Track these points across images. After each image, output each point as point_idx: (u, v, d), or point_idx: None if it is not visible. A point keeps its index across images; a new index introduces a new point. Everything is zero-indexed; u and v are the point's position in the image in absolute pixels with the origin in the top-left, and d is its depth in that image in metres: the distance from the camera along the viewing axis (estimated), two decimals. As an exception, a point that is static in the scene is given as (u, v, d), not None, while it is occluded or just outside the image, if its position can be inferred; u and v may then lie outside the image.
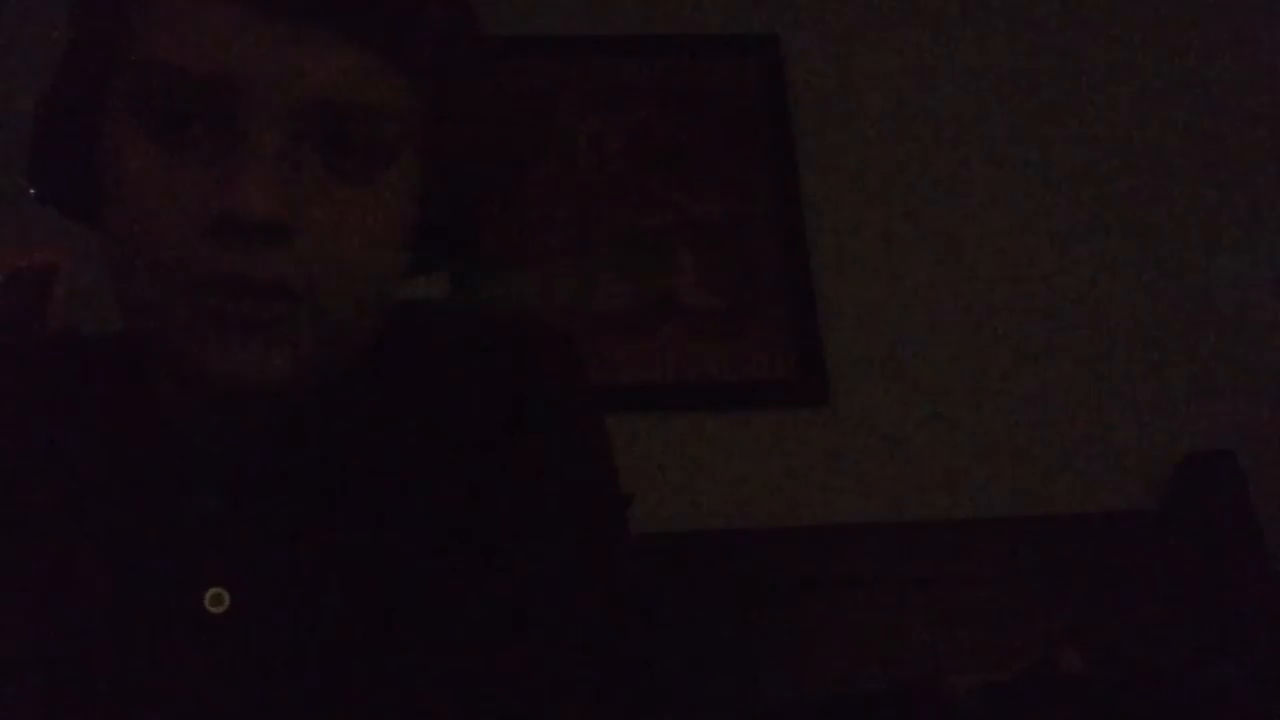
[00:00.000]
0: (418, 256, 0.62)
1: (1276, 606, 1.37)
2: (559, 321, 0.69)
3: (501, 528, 0.60)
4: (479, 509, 0.60)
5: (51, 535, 0.58)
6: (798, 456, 1.51)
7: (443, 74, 0.59)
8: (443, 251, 0.65)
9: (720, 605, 1.37)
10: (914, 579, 1.40)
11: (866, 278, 1.62)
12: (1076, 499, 1.49)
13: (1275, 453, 1.50)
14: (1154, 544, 1.43)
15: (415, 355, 0.64)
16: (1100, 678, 1.22)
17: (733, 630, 1.36)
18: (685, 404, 1.53)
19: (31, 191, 0.61)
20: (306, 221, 0.52)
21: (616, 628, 0.61)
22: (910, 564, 1.41)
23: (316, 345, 0.55)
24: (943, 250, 1.65)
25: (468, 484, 0.61)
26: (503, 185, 1.64)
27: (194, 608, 0.56)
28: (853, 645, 1.35)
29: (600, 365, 1.52)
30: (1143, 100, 1.77)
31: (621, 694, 0.59)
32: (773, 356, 1.56)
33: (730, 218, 1.65)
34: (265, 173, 0.51)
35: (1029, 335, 1.60)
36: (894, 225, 1.67)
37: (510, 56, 1.73)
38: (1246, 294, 1.64)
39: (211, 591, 0.56)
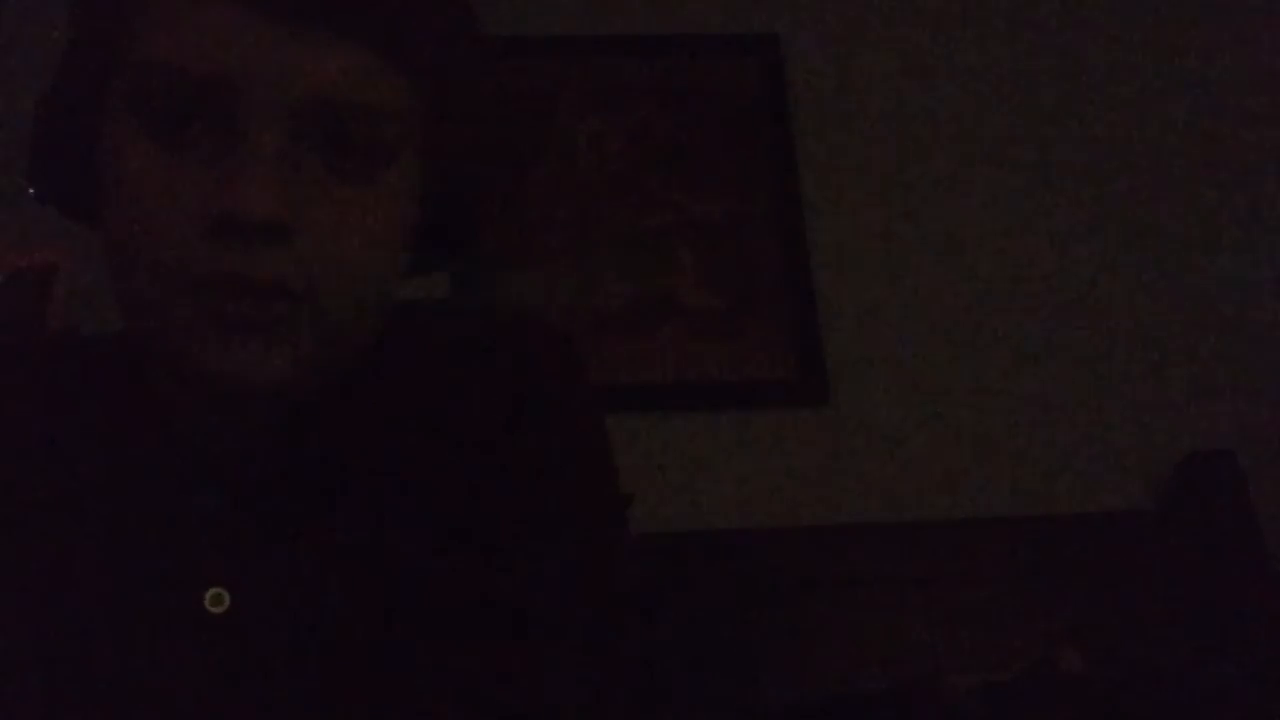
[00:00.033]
0: (418, 256, 0.62)
1: (1276, 606, 1.37)
2: (559, 321, 0.69)
3: (501, 528, 0.60)
4: (479, 509, 0.60)
5: (51, 535, 0.58)
6: (798, 456, 1.51)
7: (443, 74, 0.58)
8: (443, 251, 0.65)
9: (720, 605, 1.37)
10: (914, 579, 1.40)
11: (866, 278, 1.63)
12: (1076, 499, 1.49)
13: (1275, 453, 1.50)
14: (1154, 544, 1.43)
15: (415, 355, 0.64)
16: (1100, 678, 1.22)
17: (733, 630, 1.36)
18: (685, 404, 1.53)
19: (31, 191, 0.61)
20: (306, 221, 0.52)
21: (616, 628, 0.61)
22: (910, 564, 1.42)
23: (317, 345, 0.55)
24: (943, 250, 1.65)
25: (468, 484, 0.61)
26: (503, 185, 1.64)
27: (194, 608, 0.56)
28: (853, 645, 1.35)
29: (600, 365, 1.52)
30: (1143, 100, 1.77)
31: (621, 694, 0.59)
32: (773, 356, 1.56)
33: (730, 218, 1.65)
34: (265, 173, 0.51)
35: (1029, 335, 1.60)
36: (894, 225, 1.67)
37: (510, 56, 1.73)
38: (1246, 294, 1.64)
39: (211, 591, 0.56)
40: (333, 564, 0.58)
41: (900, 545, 1.43)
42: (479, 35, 0.62)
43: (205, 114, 0.52)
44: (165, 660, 0.55)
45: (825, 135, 1.72)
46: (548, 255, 1.62)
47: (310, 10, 0.51)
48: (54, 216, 0.63)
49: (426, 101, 0.58)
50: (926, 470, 1.50)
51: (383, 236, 0.57)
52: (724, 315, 1.58)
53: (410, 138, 0.57)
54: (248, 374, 0.53)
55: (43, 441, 0.61)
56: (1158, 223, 1.69)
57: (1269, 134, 1.75)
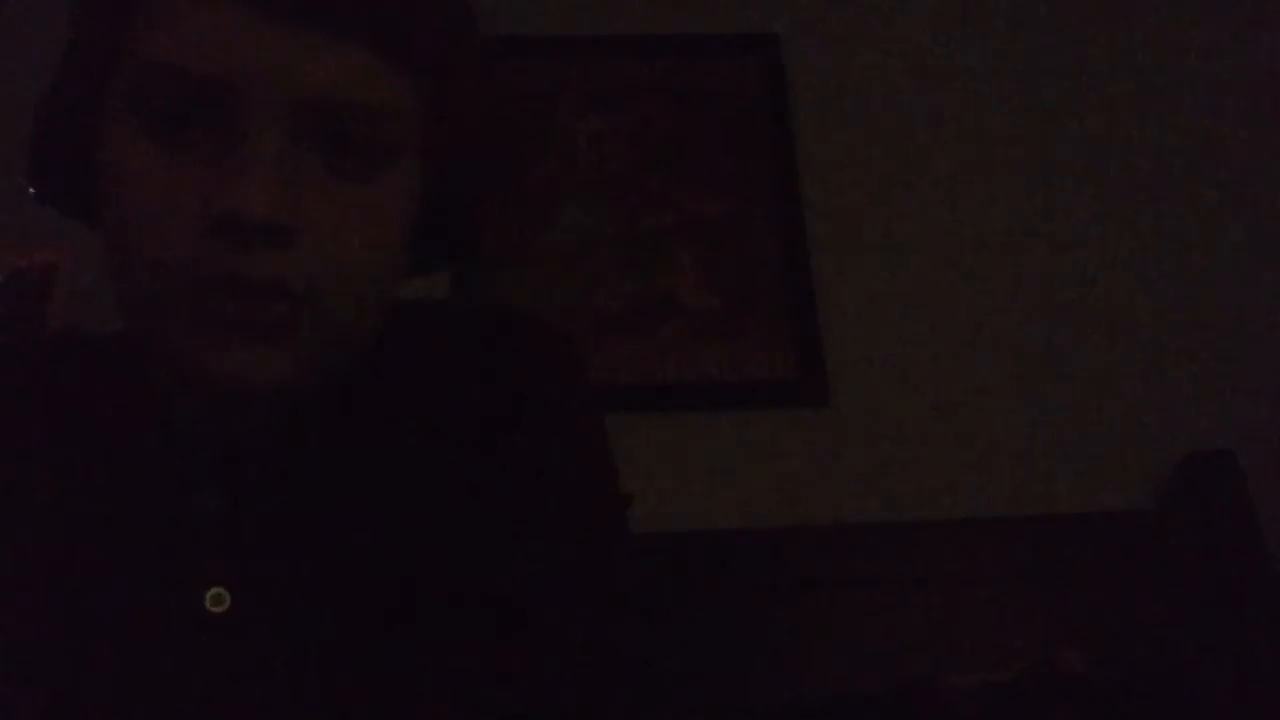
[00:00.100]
0: (418, 256, 0.62)
1: (1276, 606, 1.37)
2: (559, 321, 0.69)
3: (501, 527, 0.60)
4: (479, 509, 0.60)
5: (52, 535, 0.58)
6: (798, 456, 1.51)
7: (443, 74, 0.59)
8: (443, 251, 0.66)
9: (720, 605, 1.37)
10: (914, 579, 1.40)
11: (866, 278, 1.62)
12: (1076, 499, 1.49)
13: (1275, 453, 1.50)
14: (1154, 544, 1.43)
15: (416, 355, 0.64)
16: (1100, 678, 1.22)
17: (733, 630, 1.36)
18: (685, 404, 1.53)
19: (31, 191, 0.61)
20: (306, 221, 0.53)
21: (616, 627, 0.61)
22: (910, 564, 1.41)
23: (317, 345, 0.55)
24: (943, 250, 1.65)
25: (468, 484, 0.61)
26: (503, 185, 1.64)
27: (195, 607, 0.56)
28: (853, 645, 1.35)
29: (600, 365, 1.52)
30: (1143, 99, 1.77)
31: (621, 694, 0.59)
32: (773, 356, 1.56)
33: (730, 218, 1.65)
34: (266, 173, 0.51)
35: (1029, 335, 1.60)
36: (894, 225, 1.67)
37: (510, 56, 1.73)
38: (1246, 294, 1.64)
39: (212, 591, 0.56)
40: (333, 564, 0.58)
41: (900, 545, 1.43)
42: (479, 35, 0.62)
43: (205, 114, 0.52)
44: (166, 660, 0.55)
45: (825, 135, 1.72)
46: (548, 255, 1.62)
47: (310, 10, 0.51)
48: (54, 216, 0.63)
49: (427, 101, 0.58)
50: (926, 470, 1.50)
51: (383, 236, 0.57)
52: (724, 315, 1.58)
53: (410, 138, 0.57)
54: (248, 374, 0.53)
55: (43, 441, 0.61)
56: (1158, 223, 1.69)
57: (1270, 134, 1.75)
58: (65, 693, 0.54)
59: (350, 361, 0.60)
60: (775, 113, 1.72)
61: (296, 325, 0.53)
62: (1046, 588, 1.40)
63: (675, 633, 1.33)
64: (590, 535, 0.62)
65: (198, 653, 0.55)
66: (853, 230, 1.66)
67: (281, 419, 0.60)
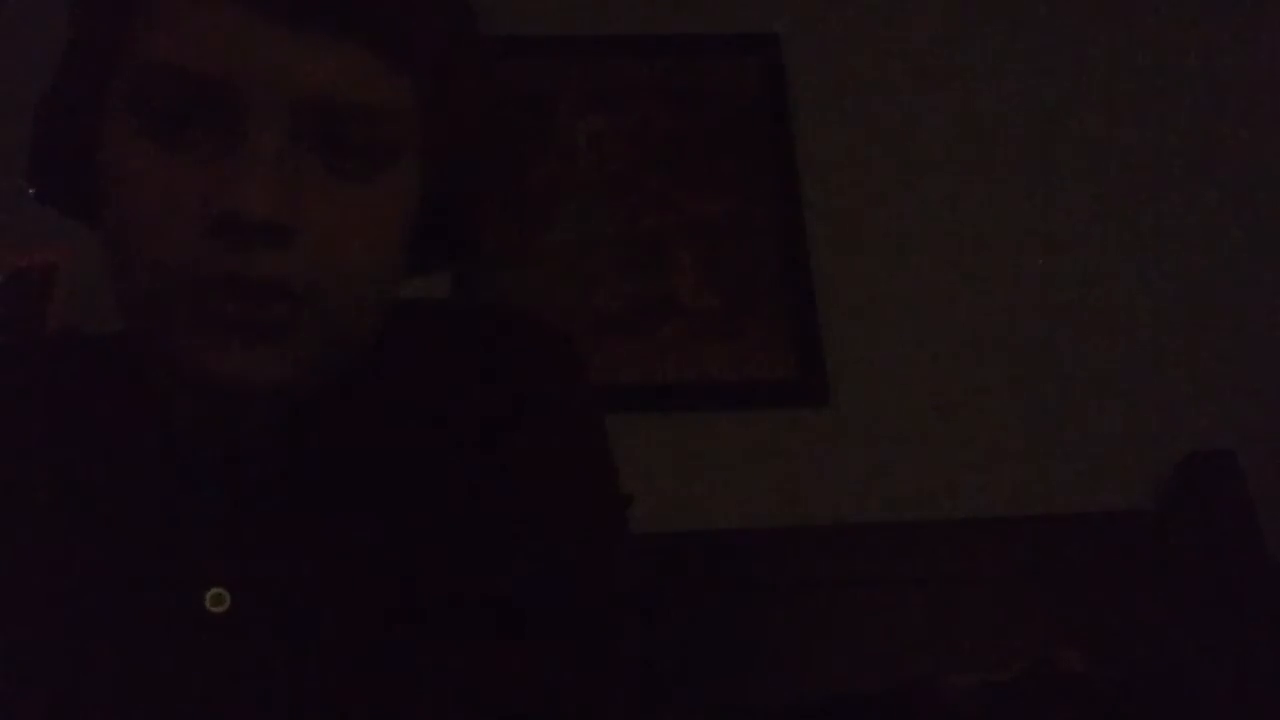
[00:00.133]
0: (418, 256, 0.62)
1: (1276, 606, 1.37)
2: (559, 321, 0.69)
3: (502, 527, 0.60)
4: (479, 509, 0.60)
5: (52, 535, 0.58)
6: (798, 456, 1.51)
7: (443, 74, 0.59)
8: (443, 251, 0.66)
9: (720, 605, 1.37)
10: (914, 579, 1.40)
11: (866, 278, 1.62)
12: (1076, 499, 1.48)
13: (1275, 453, 1.50)
14: (1154, 544, 1.43)
15: (416, 355, 0.64)
16: (1100, 678, 1.22)
17: (733, 630, 1.36)
18: (685, 404, 1.53)
19: (31, 191, 0.61)
20: (306, 222, 0.53)
21: (616, 627, 0.61)
22: (910, 564, 1.41)
23: (317, 346, 0.55)
24: (943, 250, 1.65)
25: (468, 484, 0.61)
26: (503, 185, 1.64)
27: (195, 608, 0.56)
28: (853, 645, 1.35)
29: (600, 365, 1.52)
30: (1144, 99, 1.77)
31: (621, 694, 0.59)
32: (773, 356, 1.56)
33: (730, 218, 1.65)
34: (266, 173, 0.51)
35: (1029, 335, 1.60)
36: (894, 225, 1.67)
37: (510, 56, 1.73)
38: (1246, 294, 1.64)
39: (212, 591, 0.56)
40: (333, 564, 0.58)
41: (900, 545, 1.43)
42: (479, 35, 0.62)
43: (205, 114, 0.52)
44: (166, 660, 0.55)
45: (825, 135, 1.72)
46: (548, 255, 1.62)
47: (310, 10, 0.51)
48: (54, 216, 0.63)
49: (426, 101, 0.58)
50: (926, 470, 1.50)
51: (383, 236, 0.57)
52: (724, 315, 1.58)
53: (410, 138, 0.57)
54: (248, 374, 0.53)
55: (43, 441, 0.61)
56: (1158, 223, 1.69)
57: (1270, 134, 1.75)
58: (65, 693, 0.54)
59: (350, 361, 0.60)
60: (775, 113, 1.72)
61: (296, 325, 0.53)
62: (1046, 588, 1.40)
63: (675, 633, 1.33)
64: (590, 535, 0.62)
65: (198, 653, 0.55)
66: (853, 230, 1.66)
67: (281, 419, 0.60)
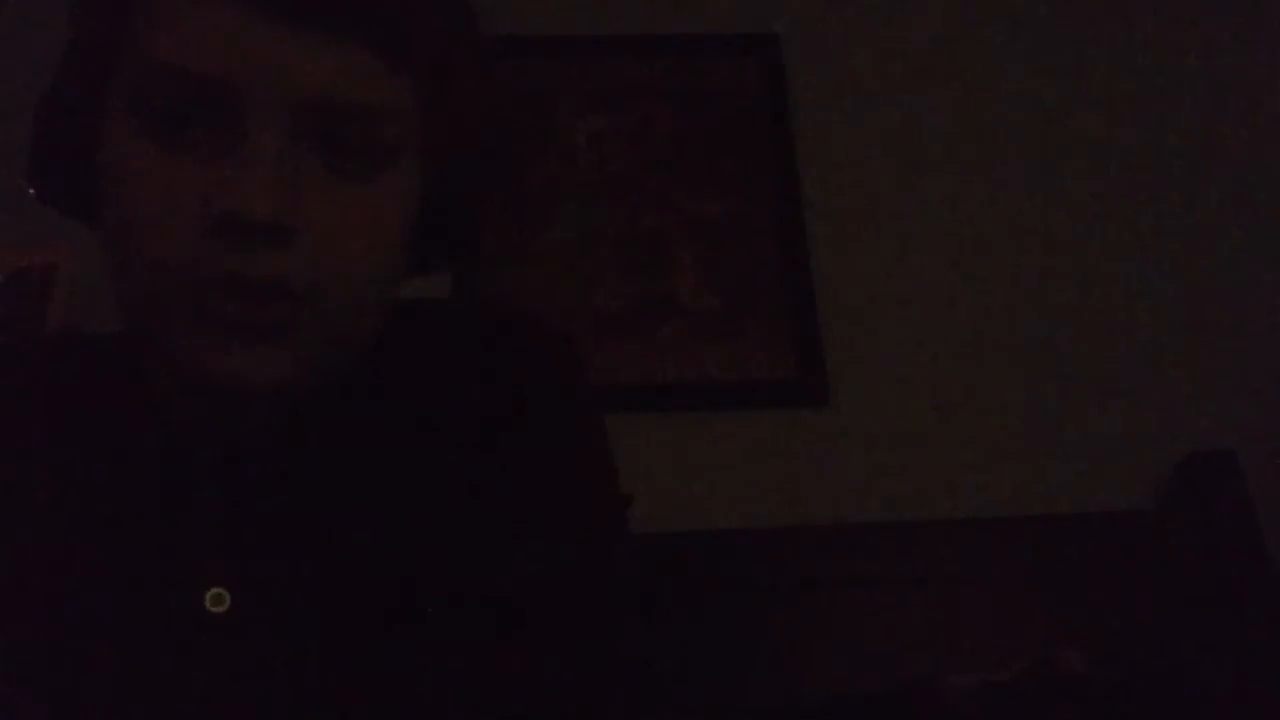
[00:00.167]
0: (418, 256, 0.62)
1: (1276, 606, 1.37)
2: (559, 321, 0.69)
3: (502, 527, 0.60)
4: (479, 509, 0.60)
5: (52, 535, 0.58)
6: (798, 456, 1.51)
7: (443, 74, 0.59)
8: (443, 251, 0.66)
9: (720, 605, 1.37)
10: (914, 579, 1.40)
11: (866, 278, 1.62)
12: (1076, 499, 1.48)
13: (1275, 453, 1.50)
14: (1154, 544, 1.43)
15: (416, 355, 0.64)
16: (1100, 678, 1.22)
17: (733, 630, 1.36)
18: (685, 404, 1.53)
19: (31, 191, 0.61)
20: (306, 222, 0.53)
21: (616, 627, 0.61)
22: (910, 564, 1.41)
23: (317, 345, 0.55)
24: (943, 250, 1.65)
25: (468, 484, 0.61)
26: (503, 185, 1.64)
27: (194, 607, 0.56)
28: (853, 645, 1.35)
29: (600, 365, 1.52)
30: (1144, 99, 1.77)
31: (620, 693, 0.59)
32: (773, 356, 1.56)
33: (730, 218, 1.65)
34: (266, 173, 0.51)
35: (1029, 335, 1.60)
36: (894, 225, 1.67)
37: (510, 56, 1.73)
38: (1246, 294, 1.64)
39: (212, 591, 0.56)
40: (333, 564, 0.58)
41: (900, 545, 1.43)
42: (479, 35, 0.62)
43: (205, 114, 0.52)
44: (166, 660, 0.55)
45: (825, 135, 1.72)
46: (548, 255, 1.62)
47: (310, 10, 0.51)
48: (54, 216, 0.63)
49: (426, 102, 0.58)
50: (926, 470, 1.50)
51: (383, 236, 0.57)
52: (724, 315, 1.58)
53: (410, 138, 0.57)
54: (248, 374, 0.53)
55: (43, 441, 0.61)
56: (1158, 223, 1.69)
57: (1270, 134, 1.75)
58: (65, 693, 0.54)
59: (350, 361, 0.60)
60: (775, 113, 1.72)
61: (296, 325, 0.53)
62: (1046, 588, 1.40)
63: (675, 633, 1.33)
64: (590, 535, 0.62)
65: (198, 653, 0.55)
66: (853, 230, 1.66)
67: (281, 419, 0.60)
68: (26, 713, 0.54)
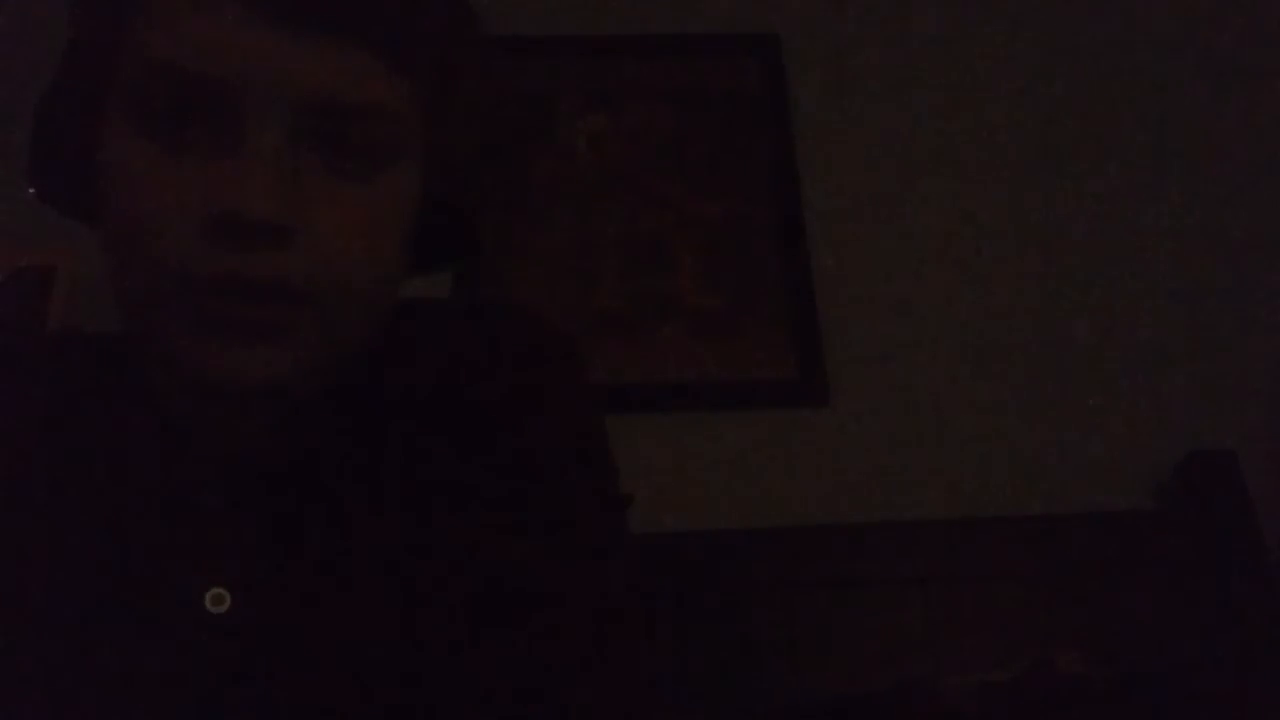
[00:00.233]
0: (418, 256, 0.62)
1: (1276, 606, 1.37)
2: (559, 321, 0.69)
3: (502, 527, 0.60)
4: (480, 508, 0.60)
5: (51, 535, 0.58)
6: (798, 456, 1.51)
7: (443, 74, 0.59)
8: (443, 251, 0.66)
9: (720, 605, 1.37)
10: (914, 579, 1.40)
11: (866, 278, 1.62)
12: (1076, 499, 1.48)
13: (1275, 453, 1.50)
14: (1154, 544, 1.43)
15: (417, 355, 0.64)
16: (1100, 678, 1.22)
17: (733, 630, 1.36)
18: (685, 404, 1.53)
19: (31, 191, 0.61)
20: (306, 222, 0.53)
21: (616, 628, 0.61)
22: (910, 564, 1.41)
23: (317, 345, 0.55)
24: (943, 250, 1.65)
25: (469, 483, 0.61)
26: (503, 185, 1.64)
27: (194, 608, 0.56)
28: (853, 645, 1.35)
29: (600, 365, 1.52)
30: (1144, 99, 1.77)
31: (621, 694, 0.59)
32: (773, 356, 1.56)
33: (730, 218, 1.65)
34: (266, 173, 0.51)
35: (1029, 335, 1.60)
36: (894, 225, 1.67)
37: (510, 56, 1.73)
38: (1246, 294, 1.64)
39: (212, 591, 0.56)
40: (334, 564, 0.58)
41: (900, 545, 1.43)
42: (479, 35, 0.62)
43: (205, 114, 0.52)
44: (166, 660, 0.55)
45: (825, 135, 1.72)
46: (548, 255, 1.62)
47: (310, 11, 0.51)
48: (54, 216, 0.63)
49: (427, 102, 0.58)
50: (926, 470, 1.50)
51: (383, 236, 0.57)
52: (724, 315, 1.58)
53: (410, 138, 0.57)
54: (248, 374, 0.53)
55: (43, 442, 0.61)
56: (1158, 222, 1.69)
57: (1270, 133, 1.75)
58: (65, 692, 0.54)
59: (350, 361, 0.60)
60: (775, 113, 1.72)
61: (296, 325, 0.53)
62: (1046, 588, 1.40)
63: (675, 633, 1.33)
64: (590, 535, 0.62)
65: (197, 653, 0.55)
66: (853, 230, 1.66)
67: (282, 418, 0.60)
68: (26, 713, 0.54)
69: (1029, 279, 1.64)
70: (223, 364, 0.52)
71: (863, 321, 1.59)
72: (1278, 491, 1.46)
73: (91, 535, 0.57)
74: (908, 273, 1.63)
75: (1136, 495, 1.49)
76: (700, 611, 1.36)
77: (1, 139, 0.95)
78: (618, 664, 0.60)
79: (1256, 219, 1.69)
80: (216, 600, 0.56)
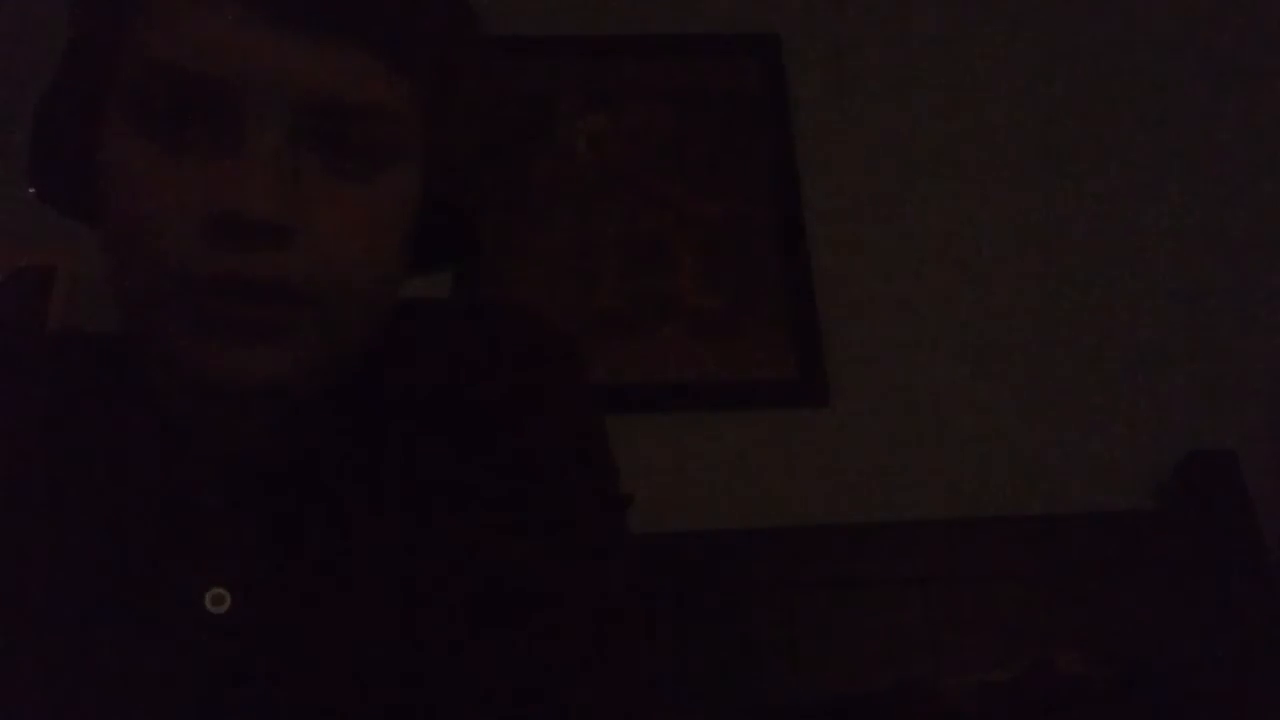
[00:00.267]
0: (418, 256, 0.62)
1: (1276, 606, 1.37)
2: (559, 321, 0.69)
3: (502, 527, 0.60)
4: (480, 508, 0.60)
5: (51, 535, 0.58)
6: (798, 456, 1.51)
7: (443, 75, 0.59)
8: (443, 251, 0.66)
9: (720, 605, 1.37)
10: (914, 579, 1.40)
11: (866, 278, 1.62)
12: (1076, 499, 1.48)
13: (1275, 453, 1.50)
14: (1154, 544, 1.43)
15: (416, 354, 0.64)
16: (1100, 678, 1.22)
17: (733, 630, 1.36)
18: (685, 404, 1.53)
19: (31, 191, 0.61)
20: (306, 222, 0.53)
21: (616, 628, 0.61)
22: (910, 564, 1.41)
23: (317, 345, 0.55)
24: (943, 250, 1.65)
25: (469, 483, 0.61)
26: (503, 185, 1.64)
27: (194, 608, 0.56)
28: (853, 645, 1.35)
29: (600, 365, 1.52)
30: (1144, 99, 1.77)
31: (621, 694, 0.59)
32: (773, 356, 1.56)
33: (730, 218, 1.65)
34: (266, 173, 0.51)
35: (1029, 335, 1.60)
36: (894, 225, 1.67)
37: (510, 56, 1.73)
38: (1246, 294, 1.64)
39: (212, 591, 0.56)
40: (334, 564, 0.58)
41: (900, 545, 1.43)
42: (479, 35, 0.62)
43: (205, 114, 0.52)
44: (166, 660, 0.55)
45: (825, 135, 1.72)
46: (548, 255, 1.62)
47: (311, 11, 0.51)
48: (54, 216, 0.63)
49: (427, 102, 0.58)
50: (926, 470, 1.50)
51: (383, 236, 0.57)
52: (724, 315, 1.58)
53: (410, 138, 0.57)
54: (247, 374, 0.53)
55: (43, 442, 0.61)
56: (1158, 222, 1.69)
57: (1270, 133, 1.75)
58: (65, 692, 0.54)
59: (350, 361, 0.60)
60: (775, 113, 1.72)
61: (296, 325, 0.53)
62: (1046, 588, 1.40)
63: (675, 633, 1.33)
64: (590, 535, 0.62)
65: (197, 653, 0.55)
66: (853, 230, 1.66)
67: (281, 419, 0.60)
68: (26, 713, 0.54)
69: (1029, 279, 1.64)
70: (223, 364, 0.52)
71: (863, 321, 1.59)
72: (1278, 491, 1.46)
73: (91, 535, 0.57)
74: (908, 273, 1.63)
75: (1136, 495, 1.49)
76: (700, 611, 1.36)
77: (1, 139, 0.95)
78: (618, 664, 0.60)
79: (1256, 219, 1.69)
80: (216, 600, 0.56)
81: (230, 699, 0.55)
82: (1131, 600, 1.39)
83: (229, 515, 0.59)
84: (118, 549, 0.57)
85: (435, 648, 0.56)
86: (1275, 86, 1.78)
